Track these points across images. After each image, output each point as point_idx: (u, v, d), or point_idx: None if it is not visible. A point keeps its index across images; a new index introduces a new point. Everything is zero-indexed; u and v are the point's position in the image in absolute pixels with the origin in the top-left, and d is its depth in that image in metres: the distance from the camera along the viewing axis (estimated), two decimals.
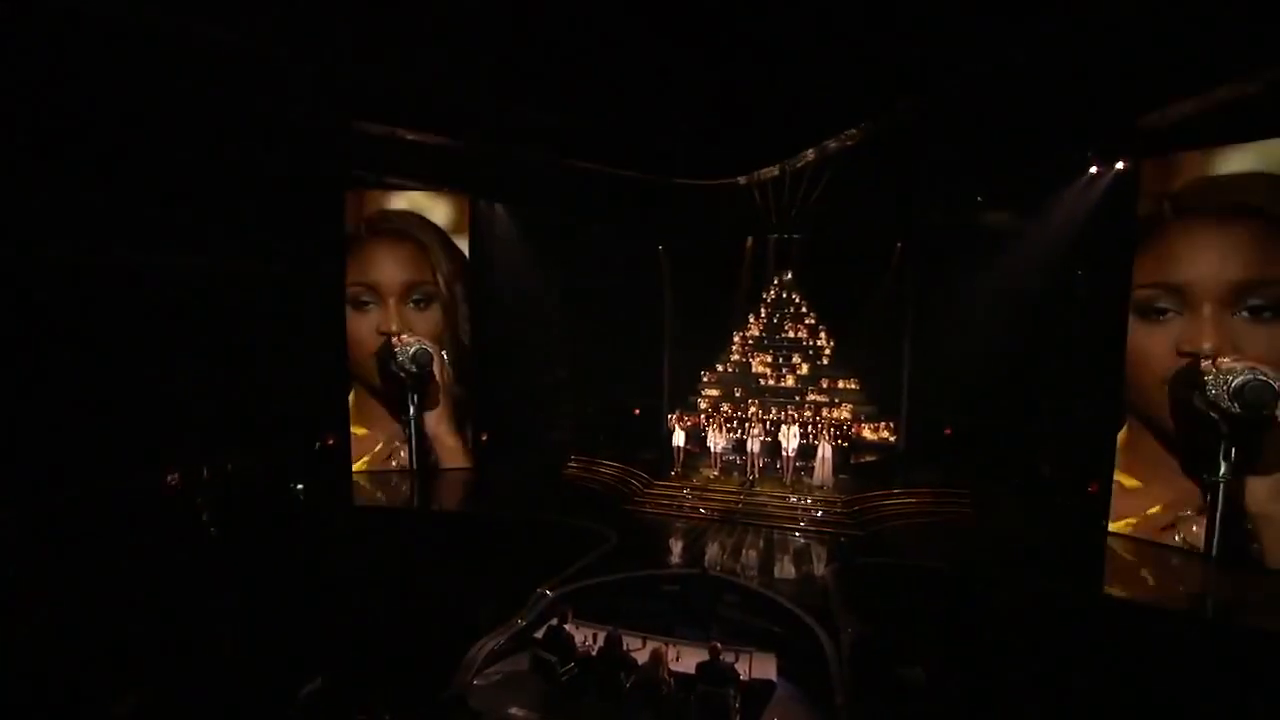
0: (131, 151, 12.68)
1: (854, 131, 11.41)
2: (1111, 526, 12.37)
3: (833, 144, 12.55)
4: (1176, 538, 11.58)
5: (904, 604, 9.53)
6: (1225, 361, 10.51)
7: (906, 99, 10.28)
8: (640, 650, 7.62)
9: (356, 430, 16.40)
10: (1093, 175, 13.56)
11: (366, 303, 16.10)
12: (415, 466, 16.47)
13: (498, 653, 8.24)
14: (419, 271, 16.34)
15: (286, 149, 13.39)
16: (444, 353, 16.57)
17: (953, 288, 16.64)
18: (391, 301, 16.14)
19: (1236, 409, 10.16)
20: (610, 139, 12.20)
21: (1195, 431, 11.07)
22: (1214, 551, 10.99)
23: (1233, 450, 10.56)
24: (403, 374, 15.96)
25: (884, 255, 18.13)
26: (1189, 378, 10.95)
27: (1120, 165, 13.03)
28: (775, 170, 13.26)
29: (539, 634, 8.03)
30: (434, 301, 16.47)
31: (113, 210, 12.93)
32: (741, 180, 14.19)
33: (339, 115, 11.78)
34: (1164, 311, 11.45)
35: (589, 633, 7.92)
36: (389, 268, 16.14)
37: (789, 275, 19.74)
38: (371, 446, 16.48)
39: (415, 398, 16.28)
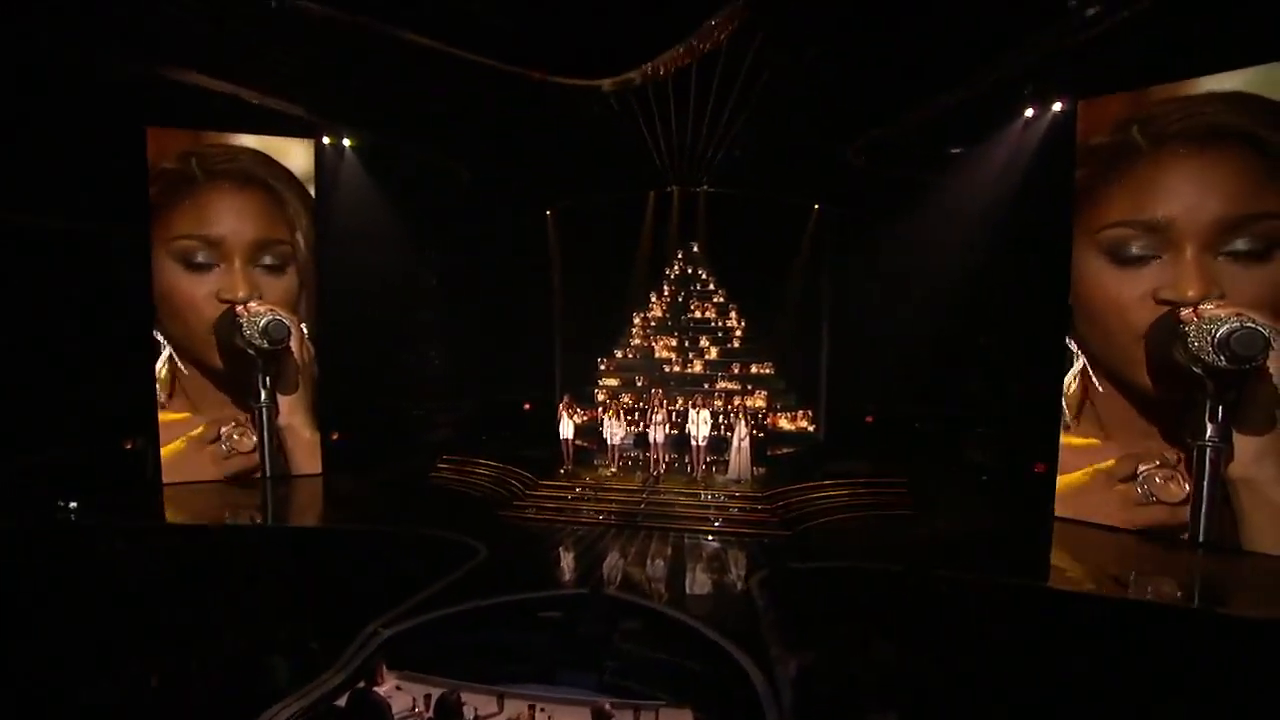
0: None
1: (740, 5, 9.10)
2: (1058, 481, 11.02)
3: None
4: (1139, 490, 10.16)
5: (854, 620, 7.36)
6: (1208, 309, 9.07)
7: None
8: (495, 717, 5.11)
9: (176, 416, 12.97)
10: (1027, 119, 12.13)
11: (204, 263, 12.77)
12: (268, 471, 13.27)
13: None
14: (272, 227, 13.15)
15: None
16: (303, 325, 13.49)
17: (874, 258, 15.05)
18: (237, 262, 12.89)
19: (1223, 361, 8.70)
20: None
21: (1174, 389, 9.65)
22: (1201, 535, 9.47)
23: (1219, 410, 9.12)
24: (250, 350, 12.78)
25: (799, 221, 16.32)
26: (1168, 329, 9.44)
27: (1058, 106, 11.64)
28: (678, 55, 10.70)
29: (343, 700, 5.37)
30: (289, 266, 13.33)
31: None
32: (635, 77, 11.51)
33: None
34: (1140, 256, 9.93)
35: (417, 694, 5.31)
36: (232, 220, 12.85)
37: (694, 248, 17.69)
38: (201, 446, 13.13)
39: (267, 380, 13.08)
